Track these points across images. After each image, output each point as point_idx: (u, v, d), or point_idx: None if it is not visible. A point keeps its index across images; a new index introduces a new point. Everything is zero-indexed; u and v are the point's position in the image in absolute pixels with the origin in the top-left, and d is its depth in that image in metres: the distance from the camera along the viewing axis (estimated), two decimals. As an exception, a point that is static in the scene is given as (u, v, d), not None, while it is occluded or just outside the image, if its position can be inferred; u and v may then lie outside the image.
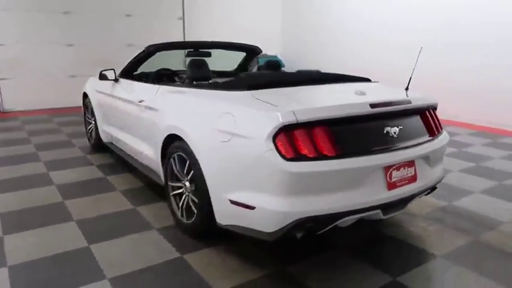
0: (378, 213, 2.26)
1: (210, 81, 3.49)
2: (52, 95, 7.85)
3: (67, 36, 7.91)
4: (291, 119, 2.03)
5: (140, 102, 3.26)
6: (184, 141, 2.55)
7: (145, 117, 3.20)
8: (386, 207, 2.27)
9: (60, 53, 7.87)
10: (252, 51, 4.37)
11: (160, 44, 3.69)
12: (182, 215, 2.74)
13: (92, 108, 4.61)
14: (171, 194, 2.87)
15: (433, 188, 2.63)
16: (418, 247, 2.58)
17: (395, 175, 2.29)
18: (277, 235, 2.10)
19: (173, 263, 2.37)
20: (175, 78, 4.27)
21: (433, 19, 7.11)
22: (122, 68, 4.04)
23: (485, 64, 6.42)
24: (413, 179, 2.39)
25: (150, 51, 3.69)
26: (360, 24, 8.64)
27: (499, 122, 6.39)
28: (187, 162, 2.56)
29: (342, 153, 2.10)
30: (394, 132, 2.32)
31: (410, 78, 2.95)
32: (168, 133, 2.74)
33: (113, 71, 3.87)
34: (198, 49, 4.00)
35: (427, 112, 2.64)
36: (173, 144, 2.74)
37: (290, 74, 3.05)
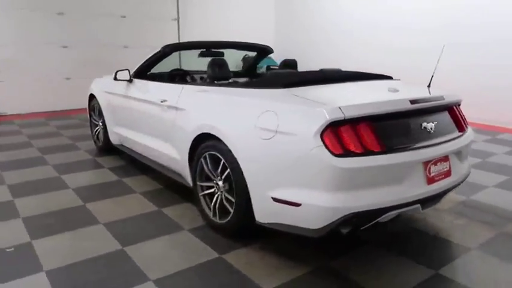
0: (418, 208, 2.29)
1: (230, 80, 3.48)
2: (47, 97, 7.66)
3: (62, 38, 7.74)
4: (338, 115, 2.05)
5: (163, 102, 3.22)
6: (220, 140, 2.53)
7: (168, 117, 3.17)
8: (425, 201, 2.31)
9: (55, 55, 7.69)
10: (264, 51, 4.38)
11: (176, 44, 3.66)
12: (214, 215, 2.72)
13: (99, 109, 4.52)
14: (201, 194, 2.85)
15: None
16: (451, 240, 2.63)
17: (433, 170, 2.33)
18: (323, 231, 2.11)
19: (214, 263, 2.35)
20: (187, 78, 4.24)
21: (428, 19, 7.27)
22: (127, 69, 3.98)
23: (482, 64, 6.59)
24: (448, 173, 2.44)
25: (166, 51, 3.65)
26: (352, 24, 8.76)
27: (499, 120, 6.55)
28: (222, 161, 2.55)
29: (386, 148, 2.13)
30: (431, 128, 2.36)
31: (432, 76, 3.01)
32: (199, 133, 2.72)
33: (127, 71, 3.81)
34: (211, 49, 3.98)
35: (454, 108, 2.70)
36: (204, 144, 2.72)
37: (318, 72, 3.07)
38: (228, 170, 2.52)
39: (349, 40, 8.84)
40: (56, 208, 3.11)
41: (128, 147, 4.10)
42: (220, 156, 2.56)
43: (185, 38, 9.35)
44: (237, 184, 2.45)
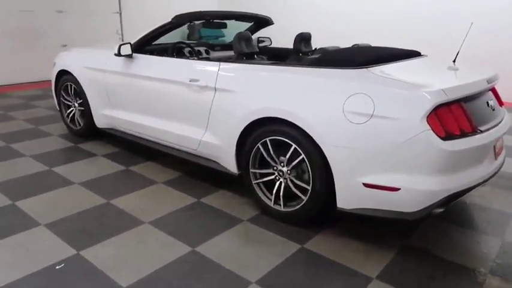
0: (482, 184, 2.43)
1: (257, 57, 3.24)
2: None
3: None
4: (443, 98, 2.03)
5: (192, 81, 2.88)
6: (290, 125, 2.36)
7: (202, 99, 2.85)
8: (491, 177, 2.46)
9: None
10: (265, 21, 4.13)
11: (189, 13, 3.26)
12: (277, 203, 2.58)
13: (78, 89, 3.90)
14: (254, 182, 2.66)
15: None
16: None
17: (497, 146, 2.47)
18: (420, 214, 2.13)
19: (302, 254, 2.24)
20: (190, 51, 3.86)
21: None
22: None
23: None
24: (501, 150, 2.61)
25: (179, 22, 3.23)
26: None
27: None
28: (293, 147, 2.39)
29: (475, 129, 2.19)
30: (493, 106, 2.48)
31: (458, 52, 3.13)
32: (258, 117, 2.50)
33: (129, 45, 3.31)
34: (218, 19, 3.65)
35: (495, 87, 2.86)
36: (263, 129, 2.52)
37: (375, 49, 2.95)
38: (302, 156, 2.37)
39: (313, 9, 8.57)
40: (80, 209, 2.67)
41: (125, 132, 3.63)
42: (290, 142, 2.40)
43: (128, 31, 8.42)
44: (316, 171, 2.33)
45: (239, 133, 2.65)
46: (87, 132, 4.05)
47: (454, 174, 2.13)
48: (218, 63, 2.84)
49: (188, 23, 3.59)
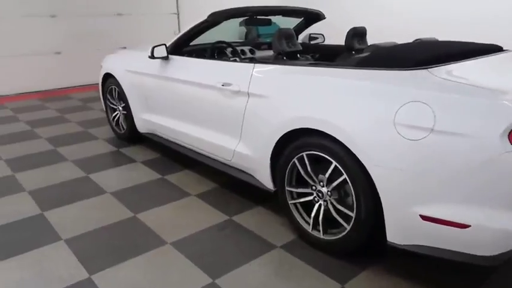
0: None
1: (301, 56, 2.87)
2: (37, 75, 6.76)
3: (49, 6, 6.75)
4: (532, 110, 1.52)
5: (225, 85, 2.59)
6: (330, 138, 1.97)
7: (234, 105, 2.55)
8: None
9: (42, 26, 6.72)
10: (316, 16, 3.71)
11: (226, 10, 2.97)
12: (315, 229, 2.20)
13: (120, 92, 3.82)
14: (291, 202, 2.31)
15: None
16: None
17: None
18: (498, 261, 1.63)
19: (341, 298, 1.85)
20: (233, 51, 3.59)
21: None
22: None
23: None
24: None
25: (216, 20, 2.96)
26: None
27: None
28: (333, 164, 1.99)
29: None
30: None
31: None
32: (293, 128, 2.14)
33: (163, 46, 3.11)
34: (260, 15, 3.31)
35: None
36: (300, 141, 2.15)
37: (438, 44, 2.45)
38: (345, 176, 1.97)
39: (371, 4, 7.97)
40: (101, 224, 2.51)
41: (163, 138, 3.47)
42: (330, 158, 2.00)
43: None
44: (360, 195, 1.91)
45: (273, 144, 2.30)
46: (130, 136, 3.96)
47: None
48: (252, 64, 2.50)
49: (244, 21, 3.30)
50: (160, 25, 8.16)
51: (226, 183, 3.04)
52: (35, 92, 6.70)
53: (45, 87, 6.86)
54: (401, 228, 1.82)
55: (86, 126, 4.66)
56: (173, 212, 2.65)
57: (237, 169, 2.71)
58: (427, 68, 1.84)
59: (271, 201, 2.71)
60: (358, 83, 1.94)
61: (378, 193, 1.85)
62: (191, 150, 3.13)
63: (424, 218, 1.73)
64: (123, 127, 4.03)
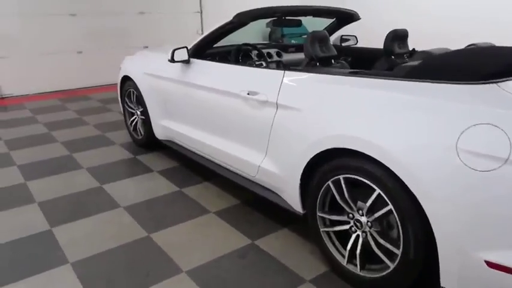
0: None
1: (335, 62, 2.57)
2: (57, 75, 6.67)
3: (69, 4, 6.65)
4: None
5: (250, 94, 2.33)
6: (373, 161, 1.68)
7: (261, 116, 2.28)
8: None
9: (62, 25, 6.63)
10: (349, 17, 3.39)
11: (253, 10, 2.70)
12: (351, 262, 1.91)
13: (139, 96, 3.61)
14: (323, 229, 2.03)
15: None
16: None
17: None
18: None
19: None
20: (259, 54, 3.33)
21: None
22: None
23: None
24: None
25: (242, 21, 2.70)
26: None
27: None
28: (377, 192, 1.70)
29: None
30: None
31: None
32: (329, 147, 1.85)
33: (185, 49, 2.87)
34: (290, 16, 3.03)
35: None
36: (336, 162, 1.86)
37: (507, 52, 2.10)
38: (390, 207, 1.68)
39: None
40: (112, 245, 2.29)
41: (181, 146, 3.24)
42: (373, 185, 1.72)
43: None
44: (409, 231, 1.62)
45: (305, 164, 2.02)
46: (148, 142, 3.75)
47: None
48: (282, 71, 2.23)
49: (270, 22, 3.03)
50: (183, 24, 7.97)
51: (249, 200, 2.78)
52: (55, 91, 6.61)
53: (66, 86, 6.77)
54: (460, 274, 1.51)
55: (103, 130, 4.49)
56: (190, 233, 2.41)
57: (262, 186, 2.45)
58: (496, 82, 1.52)
59: (299, 223, 2.44)
60: (410, 98, 1.63)
61: (432, 230, 1.55)
62: (211, 161, 2.89)
63: (491, 264, 1.42)
64: (140, 133, 3.82)
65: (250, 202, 2.76)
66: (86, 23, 6.86)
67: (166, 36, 7.55)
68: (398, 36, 2.90)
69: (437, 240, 1.53)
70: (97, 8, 6.93)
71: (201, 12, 8.22)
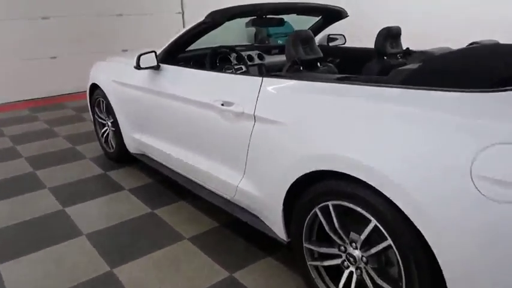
0: None
1: (321, 65, 2.29)
2: (29, 82, 6.27)
3: (41, 7, 6.26)
4: None
5: (224, 105, 2.03)
6: (370, 188, 1.39)
7: (237, 130, 1.98)
8: None
9: (33, 29, 6.24)
10: (337, 14, 3.10)
11: (229, 8, 2.40)
12: (344, 303, 1.63)
13: (108, 105, 3.29)
14: (310, 263, 1.74)
15: None
16: None
17: None
18: None
19: None
20: (238, 57, 3.03)
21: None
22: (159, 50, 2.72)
23: None
24: None
25: (216, 21, 2.39)
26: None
27: None
28: (373, 223, 1.41)
29: None
30: None
31: None
32: (315, 168, 1.56)
33: (153, 54, 2.56)
34: (270, 14, 2.73)
35: None
36: (323, 186, 1.58)
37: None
38: (389, 242, 1.39)
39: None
40: (69, 284, 1.96)
41: (155, 161, 2.92)
42: (368, 215, 1.43)
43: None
44: (415, 271, 1.33)
45: (287, 187, 1.72)
46: (120, 156, 3.42)
47: None
48: (260, 78, 1.93)
49: (251, 22, 2.73)
50: (163, 26, 7.62)
51: (229, 222, 2.48)
52: (25, 100, 6.20)
53: (38, 95, 6.35)
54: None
55: (74, 142, 4.14)
56: (160, 266, 2.09)
57: (243, 208, 2.15)
58: (498, 89, 1.24)
59: (284, 249, 2.14)
60: (409, 110, 1.34)
61: (441, 271, 1.27)
62: (186, 178, 2.58)
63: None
64: (112, 145, 3.49)
65: (229, 224, 2.45)
66: (60, 26, 6.48)
67: (147, 38, 7.18)
68: (391, 35, 2.62)
69: (447, 281, 1.25)
70: (72, 10, 6.55)
71: (183, 13, 7.88)
